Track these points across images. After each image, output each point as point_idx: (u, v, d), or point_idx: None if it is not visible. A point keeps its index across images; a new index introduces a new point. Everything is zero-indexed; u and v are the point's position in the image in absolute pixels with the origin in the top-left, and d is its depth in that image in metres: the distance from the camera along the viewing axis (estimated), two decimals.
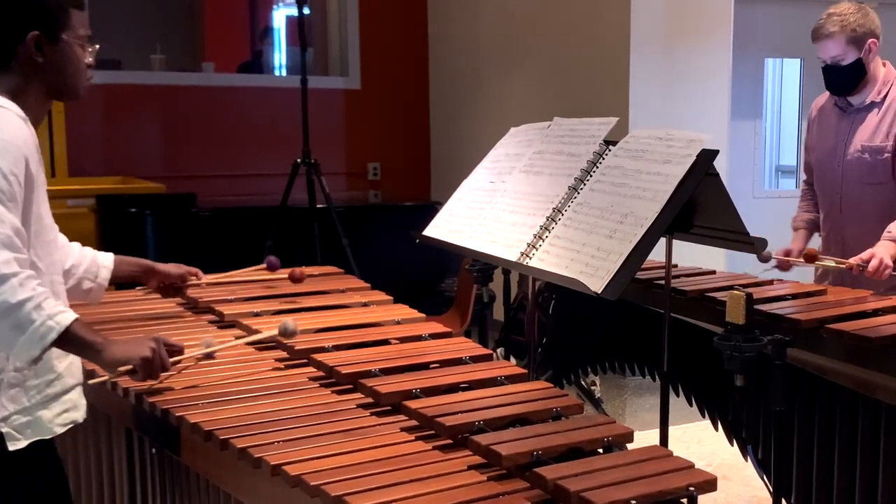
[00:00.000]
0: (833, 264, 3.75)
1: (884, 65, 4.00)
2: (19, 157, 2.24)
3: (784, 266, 3.96)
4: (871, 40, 3.89)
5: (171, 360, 2.48)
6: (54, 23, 2.37)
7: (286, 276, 3.50)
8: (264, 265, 3.52)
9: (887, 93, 3.95)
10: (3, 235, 2.16)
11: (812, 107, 4.29)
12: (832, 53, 3.90)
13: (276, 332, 2.80)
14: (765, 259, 3.81)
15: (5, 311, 2.14)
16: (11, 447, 2.32)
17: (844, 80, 3.96)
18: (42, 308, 2.18)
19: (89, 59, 2.47)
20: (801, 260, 3.80)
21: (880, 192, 3.93)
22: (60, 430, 2.43)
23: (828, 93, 4.14)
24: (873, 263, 3.54)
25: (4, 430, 2.30)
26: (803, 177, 4.39)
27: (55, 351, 2.36)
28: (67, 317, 2.22)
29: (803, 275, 4.06)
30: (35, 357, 2.21)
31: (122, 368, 2.37)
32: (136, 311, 3.21)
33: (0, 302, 2.13)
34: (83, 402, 2.51)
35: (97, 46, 2.50)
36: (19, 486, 2.37)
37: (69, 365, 2.44)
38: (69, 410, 2.45)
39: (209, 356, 2.70)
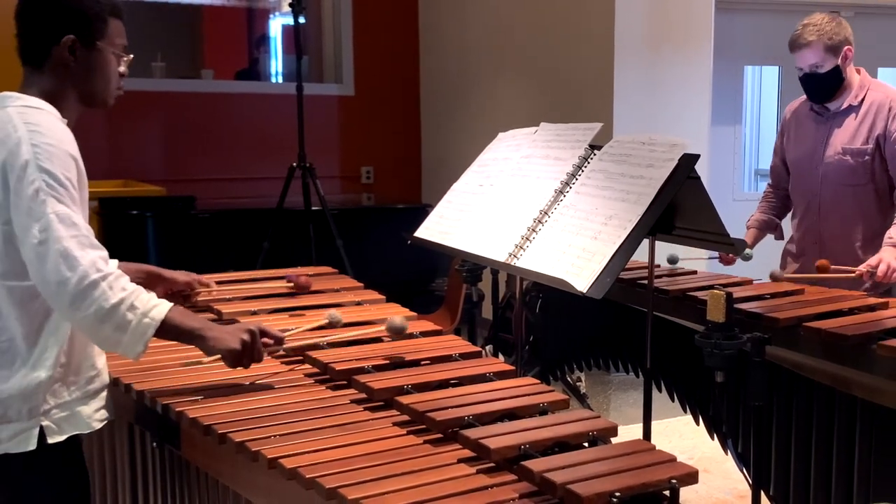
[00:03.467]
0: (839, 275, 3.74)
1: (858, 71, 4.00)
2: (68, 160, 2.23)
3: (727, 261, 3.98)
4: (846, 47, 3.89)
5: (271, 347, 2.51)
6: (91, 29, 2.35)
7: (290, 283, 3.48)
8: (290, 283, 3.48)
9: (864, 97, 3.94)
10: (83, 237, 2.17)
11: (786, 111, 4.28)
12: (811, 62, 3.89)
13: (325, 321, 2.89)
14: (746, 258, 3.82)
15: (103, 316, 2.16)
16: (51, 440, 2.31)
17: (824, 88, 3.95)
18: (136, 307, 2.20)
19: (123, 69, 2.45)
20: (815, 273, 3.73)
21: (859, 192, 3.94)
22: (98, 426, 2.43)
23: (802, 98, 4.14)
24: (882, 268, 3.57)
25: (45, 423, 2.30)
26: (768, 180, 4.38)
27: (96, 347, 2.37)
28: (161, 310, 2.25)
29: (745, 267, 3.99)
30: (141, 351, 2.26)
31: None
32: None
33: (97, 308, 2.15)
34: (111, 401, 2.51)
35: (132, 56, 2.47)
36: (51, 479, 2.36)
37: (105, 363, 2.44)
38: (104, 407, 2.45)
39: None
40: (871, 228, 3.94)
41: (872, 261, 3.62)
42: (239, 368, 2.43)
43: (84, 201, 2.31)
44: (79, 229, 2.18)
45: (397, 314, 3.16)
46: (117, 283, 2.18)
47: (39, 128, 2.23)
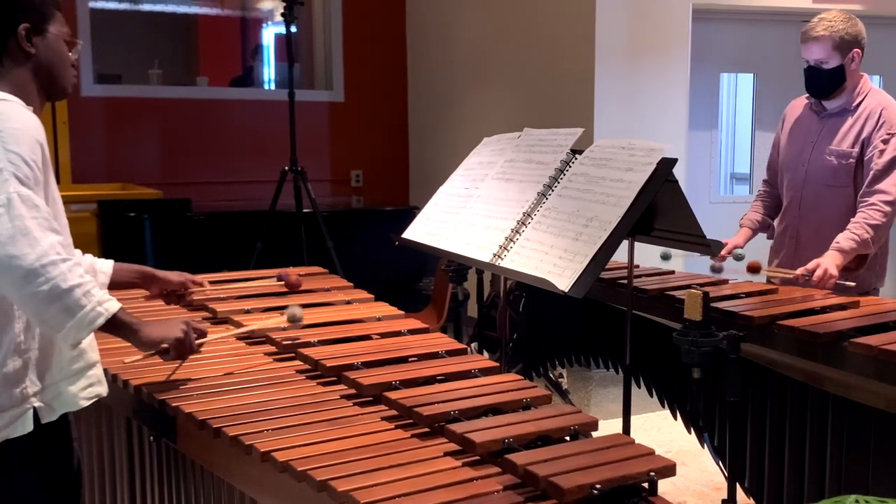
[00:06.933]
0: (779, 274, 3.75)
1: (861, 76, 3.88)
2: (34, 143, 2.18)
3: (717, 269, 3.93)
4: (855, 49, 3.78)
5: (197, 341, 2.49)
6: (41, 16, 2.30)
7: (282, 282, 3.46)
8: (281, 282, 3.47)
9: (861, 101, 3.83)
10: (44, 220, 2.13)
11: (788, 106, 4.14)
12: (817, 56, 3.79)
13: (284, 319, 2.86)
14: (717, 270, 3.83)
15: (57, 295, 2.11)
16: (45, 420, 2.28)
17: (825, 84, 3.84)
18: (91, 294, 2.17)
19: (74, 56, 2.40)
20: (745, 271, 3.74)
21: (839, 195, 3.84)
22: (86, 404, 2.39)
23: (804, 97, 4.03)
24: (818, 273, 3.52)
25: (37, 404, 2.26)
26: (764, 176, 4.25)
27: None
28: (114, 304, 2.23)
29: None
30: (81, 340, 2.22)
31: (155, 349, 2.39)
32: (134, 308, 3.19)
33: (52, 286, 2.09)
34: (104, 378, 2.47)
35: (81, 42, 2.44)
36: (48, 459, 2.33)
37: (91, 341, 2.40)
38: (93, 385, 2.41)
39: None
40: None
41: (810, 265, 3.57)
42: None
43: (49, 186, 2.27)
44: (40, 211, 2.13)
45: (386, 312, 3.17)
46: (77, 268, 2.15)
47: (4, 115, 2.19)
